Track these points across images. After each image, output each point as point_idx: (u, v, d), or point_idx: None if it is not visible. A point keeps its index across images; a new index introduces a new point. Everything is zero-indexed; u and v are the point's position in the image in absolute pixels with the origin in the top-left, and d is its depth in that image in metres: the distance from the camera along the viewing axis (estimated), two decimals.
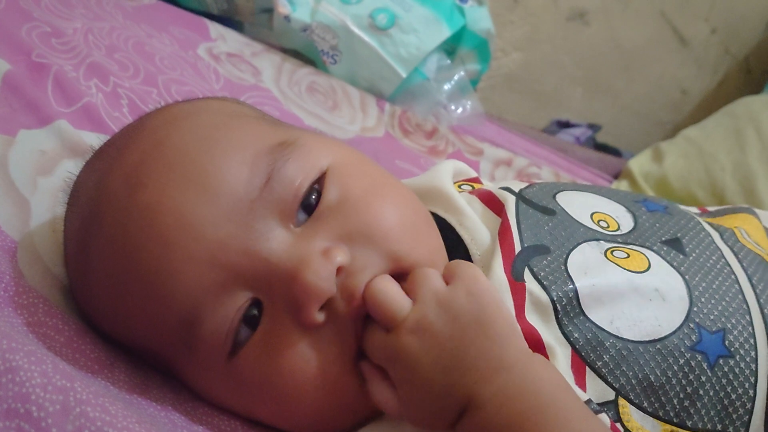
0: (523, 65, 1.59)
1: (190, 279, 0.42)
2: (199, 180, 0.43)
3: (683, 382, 0.46)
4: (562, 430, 0.40)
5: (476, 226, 0.51)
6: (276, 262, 0.42)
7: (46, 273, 0.50)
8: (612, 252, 0.50)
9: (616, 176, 1.18)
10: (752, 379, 0.47)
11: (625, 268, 0.49)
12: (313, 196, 0.45)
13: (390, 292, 0.42)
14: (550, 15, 1.55)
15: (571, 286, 0.47)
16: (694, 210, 0.65)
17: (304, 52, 1.04)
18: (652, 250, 0.51)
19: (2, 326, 0.39)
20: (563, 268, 0.48)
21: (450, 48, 1.07)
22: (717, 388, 0.46)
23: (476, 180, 0.62)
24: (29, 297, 0.46)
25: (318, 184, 0.45)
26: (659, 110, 1.67)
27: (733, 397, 0.46)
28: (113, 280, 0.44)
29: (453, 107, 1.01)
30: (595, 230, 0.52)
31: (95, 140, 0.62)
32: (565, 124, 1.53)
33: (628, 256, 0.50)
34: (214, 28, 0.99)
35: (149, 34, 0.88)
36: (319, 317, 0.42)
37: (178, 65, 0.85)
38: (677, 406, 0.46)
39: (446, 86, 1.02)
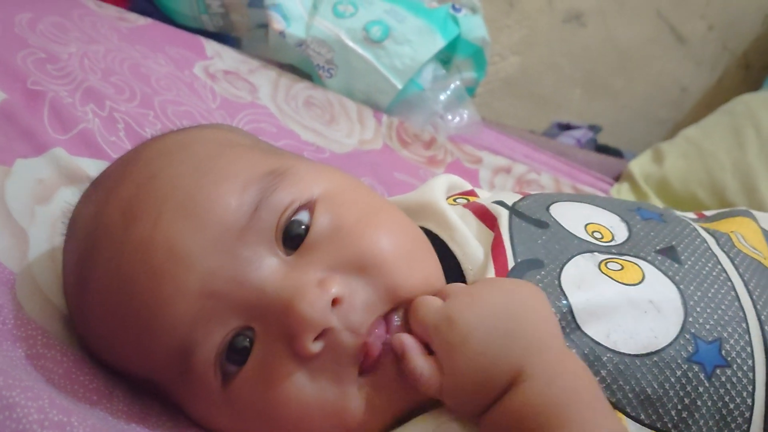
0: (521, 69, 1.59)
1: (181, 309, 0.42)
2: (189, 211, 0.43)
3: (681, 393, 0.46)
4: (609, 414, 0.41)
5: (468, 242, 0.52)
6: (269, 292, 0.43)
7: (45, 304, 0.50)
8: (606, 264, 0.50)
9: (617, 178, 1.18)
10: (750, 388, 0.47)
11: (618, 281, 0.49)
12: (303, 226, 0.45)
13: (423, 300, 0.45)
14: (546, 18, 1.55)
15: (565, 302, 0.47)
16: (691, 216, 0.65)
17: (301, 67, 1.05)
18: (647, 261, 0.51)
19: (0, 362, 0.39)
20: (557, 282, 0.48)
21: (445, 57, 1.08)
22: (715, 398, 0.46)
23: (471, 193, 0.62)
24: (28, 329, 0.46)
25: (309, 211, 0.45)
26: (659, 108, 1.67)
27: (732, 406, 0.46)
28: (110, 312, 0.44)
29: (450, 117, 1.01)
30: (590, 242, 0.52)
31: (92, 167, 0.63)
32: (565, 126, 1.53)
33: (622, 268, 0.50)
34: (210, 46, 0.99)
35: (144, 55, 0.89)
36: (315, 347, 0.42)
37: (174, 85, 0.85)
38: (675, 418, 0.46)
39: (442, 96, 1.02)
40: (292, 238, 0.45)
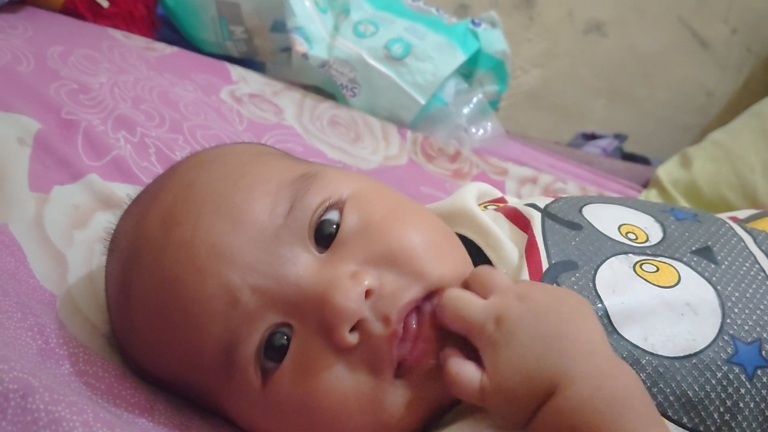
0: (544, 81, 1.59)
1: (225, 303, 0.43)
2: (227, 213, 0.45)
3: (722, 395, 0.45)
4: (660, 422, 0.41)
5: (502, 245, 0.52)
6: (305, 287, 0.44)
7: (85, 322, 0.51)
8: (641, 265, 0.50)
9: (645, 185, 1.17)
10: None
11: (654, 284, 0.48)
12: (334, 225, 0.46)
13: (464, 296, 0.45)
14: (567, 30, 1.55)
15: (600, 305, 0.47)
16: (724, 216, 0.64)
17: (324, 87, 1.06)
18: (682, 262, 0.51)
19: (44, 378, 0.40)
20: (591, 285, 0.48)
21: (467, 72, 1.08)
22: (757, 399, 0.45)
23: (501, 200, 0.62)
24: (70, 347, 0.47)
25: (339, 211, 0.47)
26: (685, 114, 1.65)
27: None
28: (154, 313, 0.46)
29: (474, 129, 1.02)
30: (624, 243, 0.52)
31: (126, 191, 0.65)
32: (590, 136, 1.53)
33: (658, 269, 0.50)
34: (236, 71, 1.01)
35: (172, 83, 0.91)
36: (351, 338, 0.43)
37: (202, 110, 0.87)
38: (718, 421, 0.45)
39: (465, 110, 1.03)
40: (325, 237, 0.46)
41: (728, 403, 0.45)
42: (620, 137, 1.50)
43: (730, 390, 0.45)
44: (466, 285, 0.47)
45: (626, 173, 1.21)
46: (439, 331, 0.45)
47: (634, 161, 1.41)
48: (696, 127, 1.55)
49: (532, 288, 0.45)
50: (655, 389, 0.45)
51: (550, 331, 0.42)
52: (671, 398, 0.45)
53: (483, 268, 0.47)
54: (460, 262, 0.49)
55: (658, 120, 1.66)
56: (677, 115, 1.66)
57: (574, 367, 0.41)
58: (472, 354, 0.44)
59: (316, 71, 1.04)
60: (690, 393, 0.45)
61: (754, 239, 0.54)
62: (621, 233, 0.53)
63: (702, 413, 0.45)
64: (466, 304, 0.44)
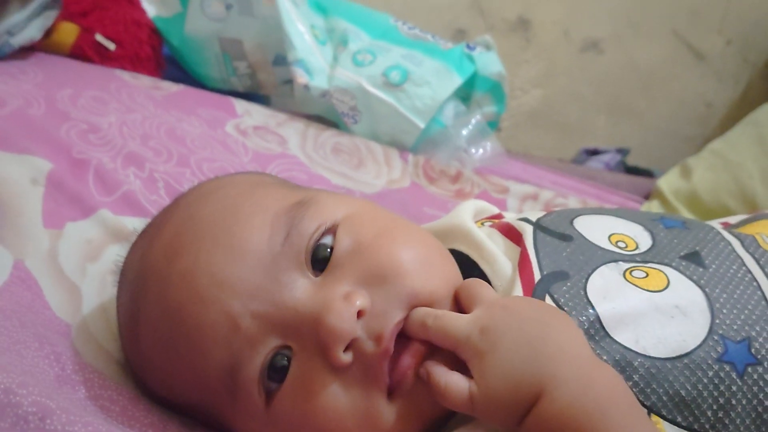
0: (544, 100, 1.62)
1: (227, 330, 0.45)
2: (227, 243, 0.47)
3: (714, 393, 0.46)
4: (645, 421, 0.42)
5: (496, 259, 0.53)
6: (301, 310, 0.46)
7: (99, 350, 0.54)
8: (631, 272, 0.51)
9: (647, 197, 1.18)
10: None
11: (644, 288, 0.50)
12: (328, 249, 0.48)
13: (446, 312, 0.46)
14: (563, 49, 1.58)
15: (592, 311, 0.48)
16: (715, 223, 0.66)
17: (326, 116, 1.09)
18: (671, 267, 0.52)
19: (62, 401, 0.42)
20: (583, 293, 0.50)
21: (465, 94, 1.11)
22: (749, 396, 0.46)
23: (499, 216, 0.64)
24: (85, 373, 0.50)
25: (333, 235, 0.49)
26: (686, 126, 1.67)
27: (767, 403, 0.46)
28: (161, 341, 0.48)
29: (474, 150, 1.04)
30: (613, 251, 0.54)
31: (136, 224, 0.67)
32: (593, 152, 1.54)
33: (647, 275, 0.51)
34: (240, 105, 1.04)
35: (179, 119, 0.94)
36: (346, 357, 0.45)
37: (208, 144, 0.90)
38: (711, 418, 0.46)
39: (465, 131, 1.05)
40: (320, 261, 0.48)
41: (721, 400, 0.46)
42: (623, 151, 1.52)
43: (722, 388, 0.46)
44: (456, 299, 0.48)
45: (629, 186, 1.23)
46: (430, 346, 0.46)
47: (638, 174, 1.42)
48: (697, 138, 1.57)
49: (515, 299, 0.48)
50: (649, 390, 0.46)
51: (534, 337, 0.43)
52: (665, 398, 0.46)
53: (470, 281, 0.49)
54: (451, 277, 0.51)
55: (659, 133, 1.67)
56: (678, 127, 1.67)
57: (560, 370, 0.42)
58: (462, 367, 0.45)
59: (317, 101, 1.07)
60: (683, 392, 0.46)
61: (742, 243, 0.56)
62: (611, 242, 0.55)
63: (695, 411, 0.46)
64: (451, 319, 0.45)
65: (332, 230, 0.49)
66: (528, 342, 0.43)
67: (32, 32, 0.95)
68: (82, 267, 0.63)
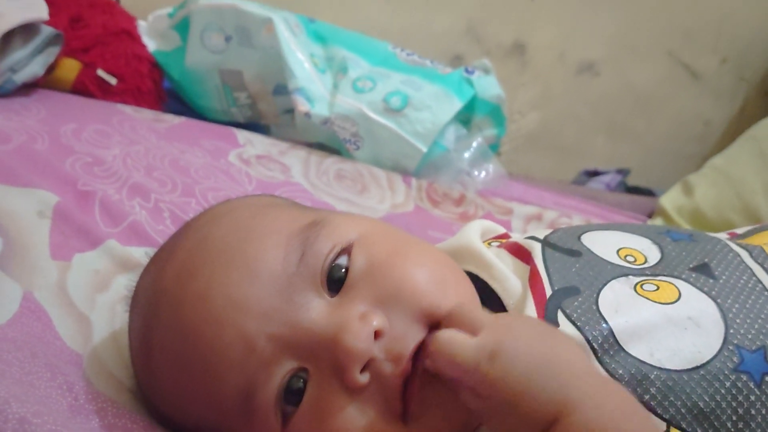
0: (542, 123, 1.63)
1: (243, 352, 0.45)
2: (241, 264, 0.47)
3: (733, 404, 0.46)
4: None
5: (506, 277, 0.54)
6: (317, 331, 0.45)
7: (111, 379, 0.53)
8: (642, 285, 0.51)
9: (650, 215, 1.18)
10: None
11: (655, 301, 0.50)
12: (343, 269, 0.48)
13: (454, 338, 0.44)
14: (560, 72, 1.59)
15: (605, 325, 0.48)
16: (723, 235, 0.66)
17: (328, 143, 1.09)
18: (681, 279, 0.52)
19: (76, 431, 0.42)
20: (595, 307, 0.49)
21: (465, 118, 1.12)
22: None
23: (505, 236, 0.64)
24: (99, 402, 0.49)
25: (348, 255, 0.48)
26: (685, 145, 1.68)
27: None
28: (175, 364, 0.47)
29: (476, 172, 1.05)
30: (623, 266, 0.54)
31: (144, 254, 0.67)
32: (593, 173, 1.55)
33: (658, 288, 0.51)
34: (242, 135, 1.05)
35: (182, 150, 0.94)
36: (363, 378, 0.44)
37: (212, 174, 0.90)
38: (732, 429, 0.46)
39: (466, 154, 1.06)
40: (335, 281, 0.47)
41: (740, 411, 0.46)
42: (623, 172, 1.52)
43: (740, 398, 0.46)
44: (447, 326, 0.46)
45: (631, 205, 1.23)
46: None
47: (639, 194, 1.43)
48: (697, 156, 1.58)
49: (513, 318, 0.47)
50: (666, 402, 0.46)
51: (544, 362, 0.42)
52: (683, 411, 0.46)
53: (460, 306, 0.46)
54: (466, 294, 0.51)
55: (658, 152, 1.68)
56: (677, 145, 1.68)
57: (573, 393, 0.41)
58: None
59: (319, 128, 1.07)
60: (701, 404, 0.46)
61: (750, 253, 0.56)
62: (620, 257, 0.55)
63: (715, 423, 0.46)
64: (458, 347, 0.43)
65: (347, 250, 0.49)
66: (537, 368, 0.42)
67: (35, 68, 0.96)
68: (92, 297, 0.62)
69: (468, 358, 0.42)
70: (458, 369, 0.43)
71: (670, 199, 1.17)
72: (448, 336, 0.43)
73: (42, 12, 0.95)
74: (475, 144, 1.06)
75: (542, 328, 0.46)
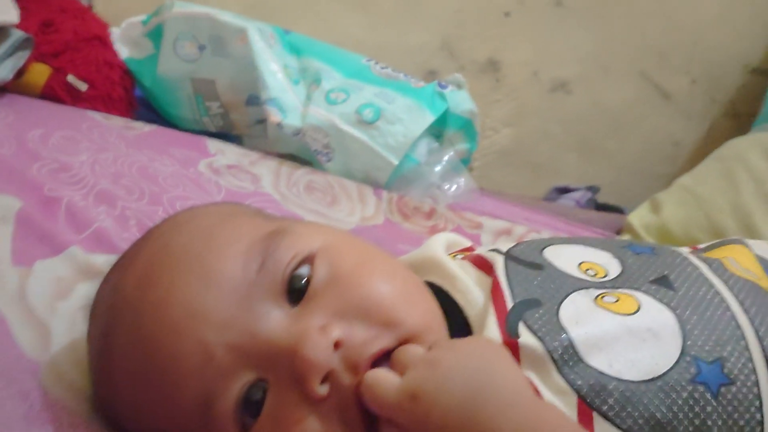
0: (515, 140, 1.64)
1: (201, 361, 0.45)
2: (201, 272, 0.47)
3: (690, 415, 0.46)
4: None
5: (469, 289, 0.54)
6: (277, 341, 0.45)
7: (69, 388, 0.53)
8: (602, 297, 0.52)
9: (619, 232, 1.20)
10: (757, 403, 0.47)
11: (616, 312, 0.50)
12: (304, 279, 0.48)
13: (379, 378, 0.44)
14: (533, 89, 1.61)
15: (565, 336, 0.48)
16: (684, 249, 0.67)
17: (300, 155, 1.09)
18: (641, 291, 0.53)
19: None
20: (556, 319, 0.50)
21: (437, 132, 1.12)
22: (724, 416, 0.46)
23: (470, 249, 0.64)
24: (54, 411, 0.49)
25: (309, 265, 0.48)
26: (655, 165, 1.70)
27: (742, 423, 0.47)
28: (134, 373, 0.47)
29: (447, 186, 1.05)
30: (584, 279, 0.54)
31: (107, 262, 0.66)
32: (564, 190, 1.56)
33: (618, 300, 0.52)
34: (213, 144, 1.04)
35: (151, 158, 0.93)
36: (322, 390, 0.44)
37: (180, 183, 0.90)
38: None
39: (438, 168, 1.06)
40: (296, 291, 0.47)
41: (696, 422, 0.46)
42: (593, 189, 1.54)
43: (696, 409, 0.46)
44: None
45: (600, 222, 1.24)
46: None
47: (609, 211, 1.44)
48: (666, 176, 1.59)
49: (440, 351, 0.45)
50: (624, 414, 0.46)
51: (467, 395, 0.42)
52: (640, 421, 0.46)
53: (399, 349, 0.46)
54: (429, 310, 0.51)
55: (629, 171, 1.70)
56: (647, 165, 1.70)
57: (506, 424, 0.41)
58: None
59: (290, 139, 1.07)
60: (658, 415, 0.46)
61: (709, 266, 0.56)
62: (581, 270, 0.55)
63: None
64: (381, 387, 0.44)
65: (309, 260, 0.48)
66: (460, 404, 0.42)
67: (3, 73, 0.95)
68: (52, 305, 0.62)
69: (390, 398, 0.43)
70: (383, 408, 0.43)
71: (638, 217, 1.18)
72: (374, 375, 0.44)
73: (12, 16, 0.95)
74: (446, 158, 1.07)
75: (477, 358, 0.45)
